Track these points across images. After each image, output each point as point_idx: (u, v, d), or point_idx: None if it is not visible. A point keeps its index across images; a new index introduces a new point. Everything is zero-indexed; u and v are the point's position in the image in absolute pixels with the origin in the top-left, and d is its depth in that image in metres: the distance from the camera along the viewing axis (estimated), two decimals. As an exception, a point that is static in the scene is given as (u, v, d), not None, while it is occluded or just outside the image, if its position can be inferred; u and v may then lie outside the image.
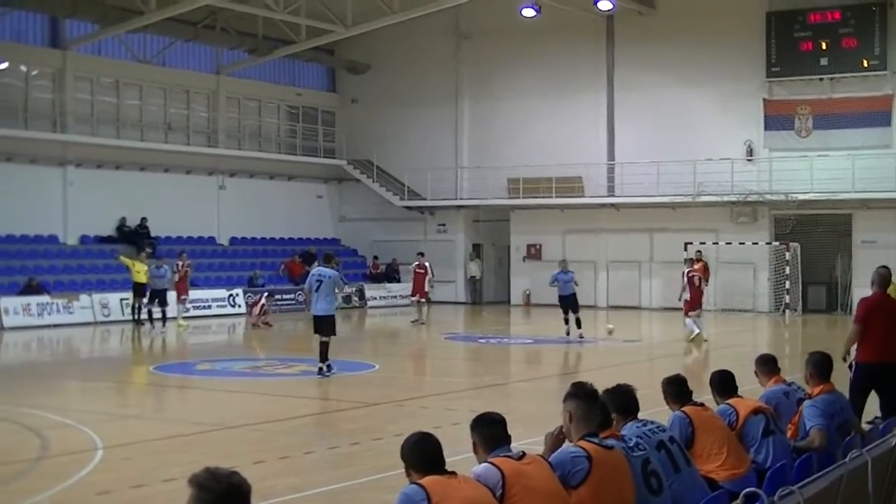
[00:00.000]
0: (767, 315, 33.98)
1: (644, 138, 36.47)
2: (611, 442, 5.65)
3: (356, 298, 37.52)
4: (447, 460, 4.92)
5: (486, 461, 5.11)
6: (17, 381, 18.71)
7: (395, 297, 38.46)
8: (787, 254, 33.47)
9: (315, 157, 41.24)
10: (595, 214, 37.67)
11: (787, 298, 33.28)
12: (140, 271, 28.51)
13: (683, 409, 7.06)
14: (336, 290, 18.36)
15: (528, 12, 35.75)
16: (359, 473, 10.25)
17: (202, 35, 36.77)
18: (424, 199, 40.24)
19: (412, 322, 30.60)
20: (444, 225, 41.01)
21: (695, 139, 35.25)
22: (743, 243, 34.59)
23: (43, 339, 26.99)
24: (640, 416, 6.43)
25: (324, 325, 17.95)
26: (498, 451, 5.15)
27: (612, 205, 37.30)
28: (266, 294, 31.51)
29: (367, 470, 10.43)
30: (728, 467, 6.81)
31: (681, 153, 34.87)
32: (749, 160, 35.06)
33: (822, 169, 33.06)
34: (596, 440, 5.54)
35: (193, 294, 31.08)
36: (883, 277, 10.99)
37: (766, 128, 34.75)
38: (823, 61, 33.97)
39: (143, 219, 34.83)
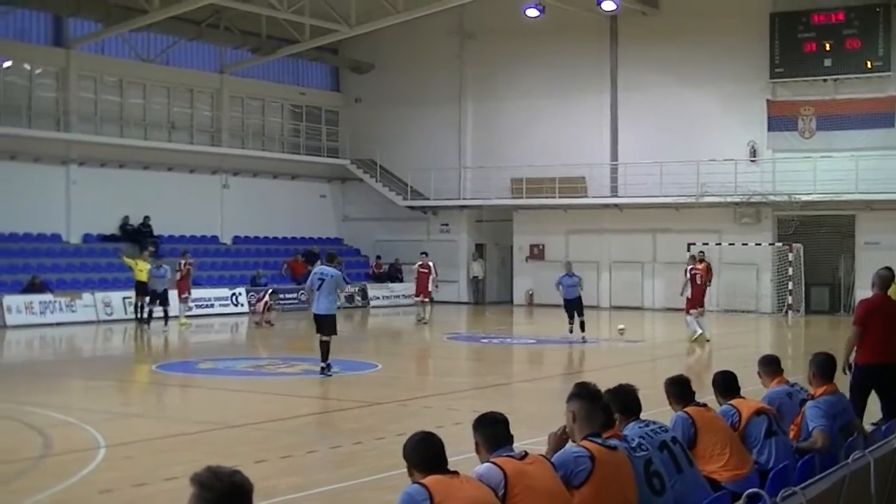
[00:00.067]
0: (770, 316, 33.96)
1: (647, 139, 36.44)
2: (614, 442, 5.65)
3: (359, 298, 37.55)
4: (449, 460, 4.92)
5: (488, 461, 5.11)
6: (19, 379, 18.75)
7: (398, 296, 38.46)
8: (790, 255, 33.48)
9: (318, 156, 41.22)
10: (598, 215, 37.64)
11: (790, 299, 33.29)
12: (143, 270, 28.44)
13: (686, 409, 7.06)
14: (338, 290, 18.37)
15: (532, 12, 35.67)
16: (361, 473, 10.25)
17: (206, 34, 36.78)
18: (428, 198, 40.21)
19: (418, 321, 30.56)
20: (447, 225, 40.98)
21: (698, 140, 35.20)
22: (746, 244, 34.55)
23: (46, 337, 26.97)
24: (643, 416, 6.43)
25: (325, 325, 17.94)
26: (500, 451, 5.15)
27: (616, 205, 37.26)
28: (270, 291, 31.52)
29: (369, 469, 10.43)
30: (730, 468, 6.81)
31: (684, 154, 34.83)
32: (752, 161, 35.01)
33: (825, 170, 33.01)
34: (599, 440, 5.54)
35: (196, 293, 31.10)
36: (883, 279, 10.96)
37: (770, 129, 34.70)
38: (827, 62, 33.92)
39: (147, 217, 34.83)
